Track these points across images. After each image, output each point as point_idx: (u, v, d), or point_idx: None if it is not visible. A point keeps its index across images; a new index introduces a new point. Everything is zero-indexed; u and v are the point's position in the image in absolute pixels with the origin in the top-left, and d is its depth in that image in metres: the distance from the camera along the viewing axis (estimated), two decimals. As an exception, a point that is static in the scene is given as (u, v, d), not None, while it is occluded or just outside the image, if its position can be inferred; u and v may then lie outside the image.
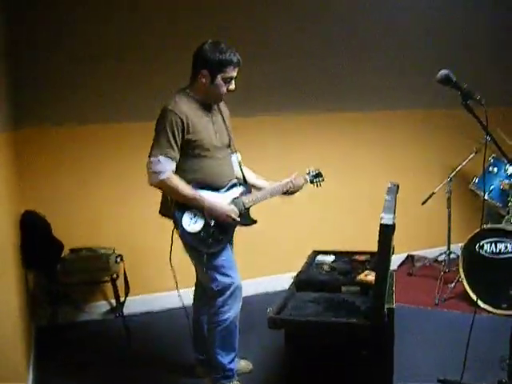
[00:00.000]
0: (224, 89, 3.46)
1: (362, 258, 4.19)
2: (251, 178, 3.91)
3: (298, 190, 3.96)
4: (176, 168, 3.44)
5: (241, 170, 3.86)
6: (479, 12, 6.38)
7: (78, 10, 4.69)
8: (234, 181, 3.72)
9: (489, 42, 6.58)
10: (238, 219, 3.57)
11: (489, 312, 4.92)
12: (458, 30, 6.31)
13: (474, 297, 4.99)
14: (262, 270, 5.66)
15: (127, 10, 4.85)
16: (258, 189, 3.84)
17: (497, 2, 6.47)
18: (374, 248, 3.08)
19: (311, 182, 4.10)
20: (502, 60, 6.70)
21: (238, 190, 3.71)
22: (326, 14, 5.66)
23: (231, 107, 3.89)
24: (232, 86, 3.49)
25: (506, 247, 4.87)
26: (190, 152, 3.47)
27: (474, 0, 6.32)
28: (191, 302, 4.02)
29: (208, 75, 3.41)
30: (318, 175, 4.14)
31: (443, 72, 3.00)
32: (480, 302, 4.90)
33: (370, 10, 5.88)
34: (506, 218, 5.11)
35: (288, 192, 3.90)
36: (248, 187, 3.78)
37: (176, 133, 3.38)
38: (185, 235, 3.45)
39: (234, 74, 3.46)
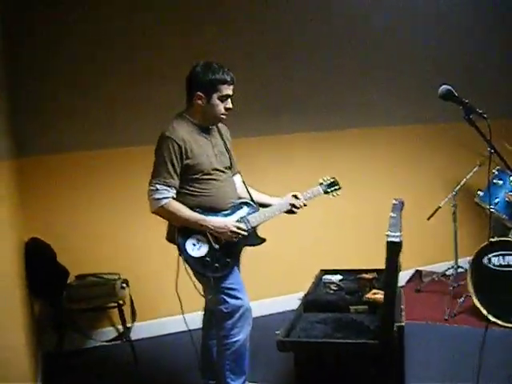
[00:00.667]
0: (221, 108, 3.46)
1: (369, 276, 4.17)
2: (257, 196, 3.86)
3: (304, 205, 3.83)
4: (178, 193, 3.43)
5: (246, 189, 3.83)
6: (481, 26, 6.46)
7: (71, 33, 4.75)
8: (240, 201, 3.68)
9: (490, 56, 6.63)
10: (245, 233, 3.51)
11: (499, 326, 4.85)
12: (458, 45, 6.36)
13: (484, 311, 4.94)
14: (268, 291, 5.62)
15: (121, 34, 4.90)
16: (265, 206, 3.79)
17: (499, 17, 6.51)
18: (381, 265, 3.06)
19: (326, 192, 3.97)
20: (504, 72, 6.73)
21: (245, 210, 3.66)
22: (326, 31, 5.70)
23: (232, 128, 3.88)
24: (229, 105, 3.49)
25: (514, 260, 4.83)
26: (190, 177, 3.46)
27: (476, 14, 6.40)
28: (197, 326, 3.97)
29: (203, 96, 3.41)
30: (333, 184, 4.02)
31: (445, 87, 2.98)
32: (490, 316, 4.84)
33: (370, 27, 5.92)
34: (513, 229, 5.07)
35: (296, 207, 3.79)
36: (255, 207, 3.72)
37: (174, 160, 3.37)
38: (189, 261, 3.43)
39: (230, 91, 3.46)
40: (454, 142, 6.24)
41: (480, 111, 2.94)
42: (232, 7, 5.26)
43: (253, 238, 3.65)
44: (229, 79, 3.43)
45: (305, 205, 3.81)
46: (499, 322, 4.86)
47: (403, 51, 6.13)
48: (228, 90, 3.45)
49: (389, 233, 3.01)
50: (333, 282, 4.21)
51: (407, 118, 6.20)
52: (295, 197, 3.81)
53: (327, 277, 4.33)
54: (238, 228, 3.48)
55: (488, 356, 3.52)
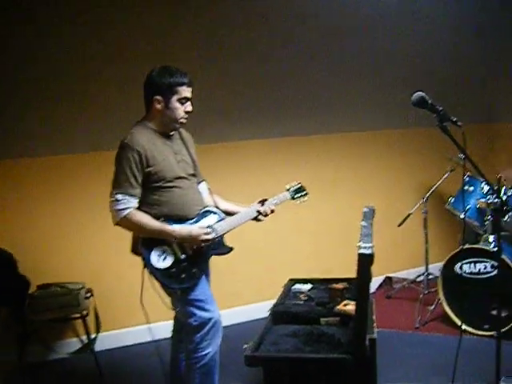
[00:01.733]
0: (181, 111, 3.36)
1: (340, 285, 4.08)
2: (222, 204, 3.76)
3: (272, 212, 3.73)
4: (140, 203, 3.32)
5: (211, 197, 3.73)
6: (453, 33, 6.48)
7: (40, 41, 4.60)
8: (205, 209, 3.57)
9: (471, 63, 6.67)
10: (210, 236, 3.39)
11: (471, 333, 4.82)
12: (431, 52, 6.38)
13: (455, 319, 4.94)
14: (238, 300, 5.53)
15: (89, 42, 4.78)
16: (231, 214, 3.68)
17: (471, 24, 6.57)
18: (352, 274, 2.98)
19: (293, 198, 3.90)
20: (476, 79, 6.78)
21: (211, 218, 3.55)
22: (298, 36, 5.62)
23: (195, 134, 3.79)
24: (189, 108, 3.40)
25: (486, 267, 4.80)
26: (152, 185, 3.34)
27: (448, 21, 6.43)
28: (164, 336, 3.88)
29: (162, 100, 3.32)
30: (300, 190, 3.95)
31: (418, 94, 2.93)
32: (461, 323, 4.81)
33: (343, 33, 5.86)
34: (484, 237, 5.04)
35: (262, 214, 3.70)
36: (221, 215, 3.62)
37: (135, 168, 3.25)
38: (155, 273, 3.30)
39: (189, 94, 3.38)
40: (426, 148, 6.26)
41: (454, 119, 2.89)
42: (199, 11, 5.15)
43: (220, 246, 3.55)
44: (187, 81, 3.35)
45: (272, 211, 3.72)
46: (470, 329, 4.83)
47: (376, 57, 6.09)
48: (187, 92, 3.36)
49: (360, 244, 2.93)
50: (302, 292, 4.12)
51: (378, 123, 6.17)
52: (262, 203, 3.72)
53: (297, 286, 4.25)
54: (205, 234, 3.37)
55: (461, 364, 3.49)
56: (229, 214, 3.67)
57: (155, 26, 4.96)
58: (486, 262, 4.79)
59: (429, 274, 5.75)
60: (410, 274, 6.25)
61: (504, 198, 4.86)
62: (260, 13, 5.37)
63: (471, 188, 5.26)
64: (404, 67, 6.22)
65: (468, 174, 5.31)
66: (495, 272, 4.72)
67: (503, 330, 4.41)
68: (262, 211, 3.67)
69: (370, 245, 2.91)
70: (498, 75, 6.85)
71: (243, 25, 5.33)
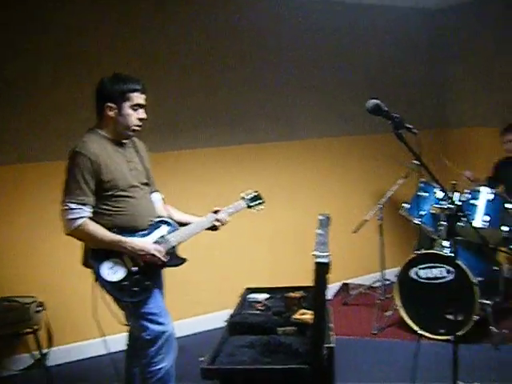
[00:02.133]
0: (134, 118, 3.30)
1: (297, 294, 4.02)
2: (176, 215, 3.69)
3: (226, 222, 3.71)
4: (93, 213, 3.23)
5: (165, 207, 3.66)
6: (407, 41, 6.65)
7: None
8: (158, 220, 3.50)
9: (423, 70, 6.82)
10: (164, 259, 3.34)
11: (427, 338, 4.85)
12: (390, 58, 6.50)
13: (412, 324, 4.97)
14: (193, 309, 5.44)
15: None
16: (185, 225, 3.62)
17: (425, 32, 6.71)
18: (308, 282, 2.95)
19: (249, 206, 3.88)
20: (430, 85, 6.91)
21: (164, 229, 3.48)
22: (259, 45, 5.66)
23: (150, 141, 3.74)
24: (142, 115, 3.34)
25: (441, 272, 4.83)
26: (104, 194, 3.26)
27: (403, 29, 6.59)
28: (119, 348, 3.78)
29: (115, 107, 3.26)
30: (256, 198, 3.93)
31: (372, 102, 2.91)
32: (417, 329, 4.85)
33: (297, 40, 5.91)
34: (439, 242, 5.06)
35: (218, 224, 3.67)
36: (174, 225, 3.55)
37: (87, 176, 3.17)
38: (106, 286, 3.21)
39: (142, 101, 3.33)
40: (381, 154, 6.28)
41: (409, 126, 2.88)
42: (148, 18, 5.10)
43: (173, 258, 3.47)
44: (139, 88, 3.30)
45: (226, 221, 3.69)
46: (427, 334, 4.87)
47: (331, 65, 6.16)
48: (139, 98, 3.31)
49: (317, 253, 2.89)
50: (259, 302, 4.06)
51: (333, 130, 6.18)
52: (217, 212, 3.67)
53: (253, 295, 4.19)
54: (158, 251, 3.31)
55: (419, 369, 3.53)
56: (182, 224, 3.61)
57: (104, 33, 4.89)
58: (442, 267, 4.82)
59: (385, 280, 5.78)
60: (366, 280, 6.27)
61: (458, 203, 4.88)
62: (215, 22, 5.36)
63: (425, 194, 5.29)
64: (359, 75, 6.29)
65: (422, 180, 5.34)
66: (450, 277, 4.75)
67: (459, 333, 4.43)
68: (217, 222, 3.64)
69: (326, 253, 2.87)
70: (451, 82, 6.96)
71: (194, 34, 5.30)
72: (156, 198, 3.64)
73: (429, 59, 6.89)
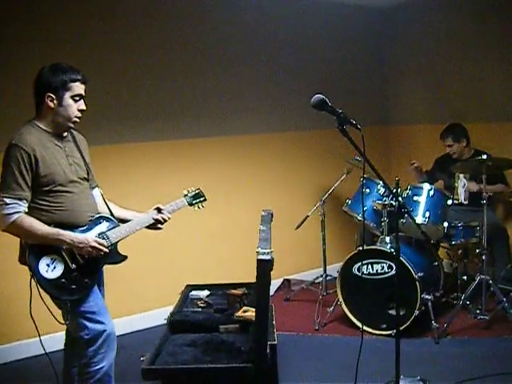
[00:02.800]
0: (74, 109, 3.21)
1: (239, 291, 4.00)
2: (117, 210, 3.60)
3: (168, 219, 3.63)
4: (29, 208, 3.12)
5: (105, 203, 3.56)
6: (355, 38, 6.72)
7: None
8: (98, 216, 3.41)
9: (368, 67, 6.88)
10: (106, 250, 3.25)
11: (369, 333, 4.87)
12: (334, 55, 6.51)
13: (354, 319, 5.00)
14: (132, 307, 5.33)
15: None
16: (126, 221, 3.53)
17: (374, 27, 6.82)
18: (250, 278, 2.91)
19: (190, 204, 3.80)
20: (373, 82, 6.99)
21: (104, 225, 3.39)
22: (206, 39, 5.59)
23: (91, 135, 3.65)
24: (82, 106, 3.25)
25: (383, 267, 4.85)
26: (42, 189, 3.15)
27: (350, 25, 6.66)
28: (56, 348, 3.68)
29: (55, 97, 3.15)
30: (198, 195, 3.85)
31: (318, 97, 2.90)
32: (360, 324, 4.87)
33: (245, 34, 5.88)
34: (381, 238, 5.08)
35: (159, 221, 3.60)
36: (115, 222, 3.46)
37: (24, 170, 3.06)
38: (43, 284, 3.11)
39: (82, 91, 3.24)
40: (323, 150, 6.29)
41: (354, 122, 2.86)
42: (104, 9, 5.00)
43: (113, 255, 3.38)
44: (80, 78, 3.21)
45: (168, 218, 3.61)
46: (369, 329, 4.89)
47: (276, 61, 6.14)
48: (80, 89, 3.22)
49: (259, 249, 2.86)
50: (200, 299, 4.01)
51: (276, 125, 6.16)
52: (158, 210, 3.60)
53: (194, 293, 4.14)
54: (100, 244, 3.21)
55: (362, 364, 3.50)
56: (123, 221, 3.54)
57: (50, 26, 4.76)
58: (383, 262, 4.84)
59: (327, 276, 5.79)
60: (308, 275, 6.26)
61: (401, 199, 4.92)
62: (166, 16, 5.30)
63: (367, 190, 5.31)
64: (303, 71, 6.28)
65: (364, 175, 5.35)
66: (392, 272, 4.78)
67: (400, 328, 4.47)
68: (159, 218, 3.57)
69: (268, 250, 2.84)
70: (394, 80, 7.04)
71: (142, 26, 5.22)
72: (96, 193, 3.56)
73: (373, 57, 6.94)
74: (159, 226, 3.61)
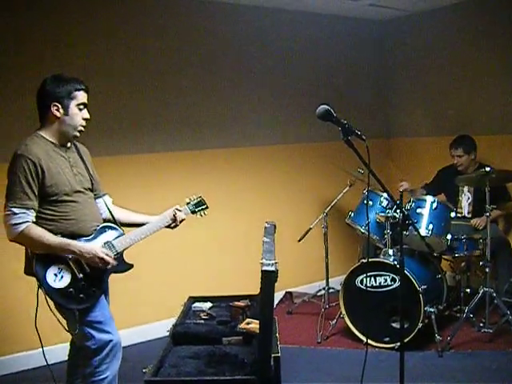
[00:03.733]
0: (80, 118, 3.24)
1: (242, 303, 3.97)
2: (127, 217, 3.63)
3: (177, 225, 3.65)
4: (36, 217, 3.12)
5: (110, 212, 3.56)
6: (356, 50, 6.73)
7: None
8: (103, 225, 3.41)
9: (369, 80, 6.91)
10: (113, 262, 3.25)
11: (372, 346, 4.84)
12: (336, 68, 6.55)
13: (356, 332, 4.97)
14: (135, 319, 5.30)
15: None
16: (139, 225, 3.53)
17: (373, 40, 6.79)
18: (253, 290, 2.90)
19: (193, 212, 3.78)
20: (376, 95, 7.00)
21: (109, 234, 3.39)
22: (207, 51, 5.61)
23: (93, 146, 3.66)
24: (86, 115, 3.29)
25: (386, 280, 4.84)
26: (48, 199, 3.16)
27: (351, 38, 6.67)
28: (59, 359, 3.66)
29: (60, 107, 3.18)
30: (200, 203, 3.83)
31: (323, 108, 2.89)
32: (362, 337, 4.86)
33: (247, 46, 5.90)
34: (384, 250, 5.07)
35: (169, 226, 3.62)
36: (120, 230, 3.46)
37: (30, 179, 3.07)
38: (51, 294, 3.11)
39: (86, 100, 3.28)
40: (327, 162, 6.27)
41: (359, 132, 2.86)
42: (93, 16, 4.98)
43: (119, 264, 3.38)
44: (84, 87, 3.27)
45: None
46: (372, 342, 4.86)
47: (280, 74, 6.16)
48: (84, 97, 3.27)
49: (263, 261, 2.84)
50: (203, 311, 3.99)
51: (279, 137, 6.17)
52: (178, 211, 3.63)
53: (197, 305, 4.11)
54: (107, 255, 3.21)
55: (365, 377, 3.45)
56: (138, 225, 3.54)
57: (47, 34, 4.77)
58: (387, 275, 4.83)
59: (330, 289, 5.76)
60: (310, 288, 6.23)
61: (405, 211, 4.91)
62: (157, 25, 5.28)
63: (370, 202, 5.30)
64: (307, 84, 6.30)
65: (367, 188, 5.34)
66: (395, 285, 4.76)
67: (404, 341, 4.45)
68: (176, 216, 3.61)
69: (273, 261, 2.83)
70: (396, 93, 7.06)
71: (142, 38, 5.22)
72: (104, 202, 3.58)
73: (375, 70, 6.95)
74: (176, 223, 3.64)
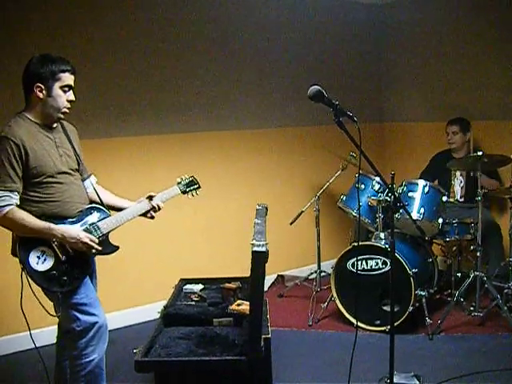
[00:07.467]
0: (64, 100, 3.18)
1: (233, 285, 3.99)
2: (110, 199, 3.60)
3: (159, 207, 3.60)
4: (20, 199, 3.10)
5: (96, 193, 3.54)
6: (352, 33, 6.71)
7: None
8: (88, 206, 3.39)
9: (363, 63, 6.87)
10: (98, 246, 3.23)
11: (363, 329, 4.87)
12: (330, 51, 6.52)
13: (348, 315, 4.99)
14: (125, 301, 5.29)
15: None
16: (120, 209, 3.51)
17: (368, 24, 6.74)
18: (244, 272, 2.90)
19: (184, 192, 3.77)
20: (370, 79, 6.99)
21: (94, 216, 3.37)
22: (199, 34, 5.55)
23: (83, 128, 3.63)
24: (72, 97, 3.23)
25: (377, 263, 4.84)
26: (32, 180, 3.13)
27: (346, 20, 6.60)
28: (47, 342, 3.67)
29: (44, 87, 3.13)
30: (192, 183, 3.81)
31: (315, 88, 2.88)
32: (353, 320, 4.87)
33: (238, 28, 5.84)
34: (375, 234, 5.08)
35: (155, 209, 3.58)
36: (106, 212, 3.44)
37: (14, 161, 3.03)
38: (34, 276, 3.09)
39: (71, 82, 3.22)
40: (319, 146, 6.26)
41: (350, 114, 2.86)
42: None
43: (105, 245, 3.35)
44: (69, 68, 3.19)
45: (159, 206, 3.60)
46: (363, 325, 4.88)
47: (272, 56, 6.12)
48: (69, 79, 3.20)
49: (254, 242, 2.85)
50: (194, 293, 4.00)
51: (271, 121, 6.14)
52: (150, 198, 3.59)
53: (188, 286, 4.13)
54: (91, 240, 3.19)
55: (355, 360, 3.46)
56: (118, 209, 3.53)
57: (42, 18, 4.71)
58: (378, 258, 4.83)
59: (321, 272, 5.78)
60: (302, 271, 6.26)
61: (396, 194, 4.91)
62: (143, 7, 5.23)
63: (362, 186, 5.30)
64: (300, 67, 6.26)
65: (359, 171, 5.34)
66: (386, 268, 4.77)
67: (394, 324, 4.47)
68: (153, 205, 3.55)
69: (263, 242, 2.83)
70: (389, 76, 7.04)
71: (129, 20, 5.16)
72: (88, 184, 3.54)
73: (369, 53, 6.93)
74: (152, 213, 3.59)
